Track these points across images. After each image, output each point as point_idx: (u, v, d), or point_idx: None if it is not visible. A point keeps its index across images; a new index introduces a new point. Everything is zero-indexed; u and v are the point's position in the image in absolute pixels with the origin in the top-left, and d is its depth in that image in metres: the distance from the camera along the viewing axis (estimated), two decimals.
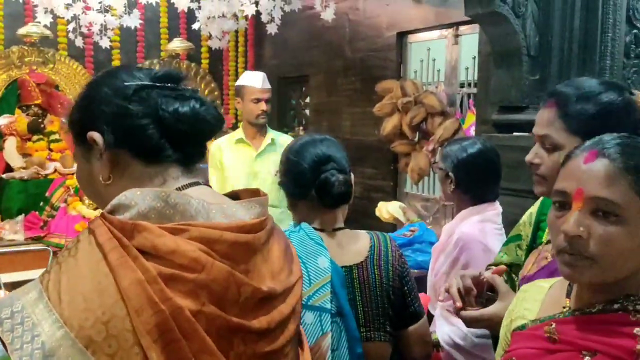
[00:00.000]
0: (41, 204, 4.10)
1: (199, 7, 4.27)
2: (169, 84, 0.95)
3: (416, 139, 3.88)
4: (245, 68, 5.73)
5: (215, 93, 5.52)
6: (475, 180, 1.91)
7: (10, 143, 4.16)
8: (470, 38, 3.53)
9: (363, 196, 4.60)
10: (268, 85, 3.27)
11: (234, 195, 1.01)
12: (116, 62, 5.16)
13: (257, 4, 4.36)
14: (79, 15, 4.24)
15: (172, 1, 4.30)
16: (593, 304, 0.95)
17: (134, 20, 4.19)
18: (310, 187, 1.49)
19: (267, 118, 3.22)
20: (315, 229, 1.48)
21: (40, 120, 4.56)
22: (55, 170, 4.31)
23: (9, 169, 4.35)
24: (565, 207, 0.93)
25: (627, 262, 0.90)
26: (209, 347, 0.79)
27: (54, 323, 0.75)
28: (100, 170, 0.93)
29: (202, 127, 0.95)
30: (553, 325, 0.97)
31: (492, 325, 1.30)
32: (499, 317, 1.23)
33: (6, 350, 0.75)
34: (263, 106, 3.15)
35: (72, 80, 4.80)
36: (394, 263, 1.53)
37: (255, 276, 0.88)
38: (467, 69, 3.69)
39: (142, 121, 0.91)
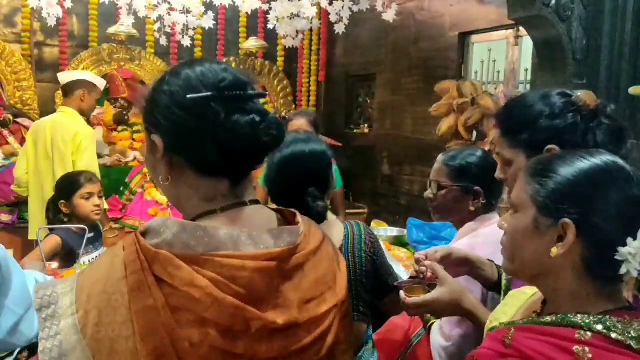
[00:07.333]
0: (121, 188, 4.45)
1: (270, 8, 4.50)
2: (235, 92, 0.94)
3: (473, 139, 3.87)
4: (318, 66, 5.90)
5: (288, 90, 5.73)
6: (495, 184, 1.76)
7: (98, 132, 4.56)
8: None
9: (422, 195, 4.62)
10: None
11: (278, 210, 1.06)
12: None
13: (331, 3, 4.53)
14: (163, 15, 4.60)
15: (237, 4, 4.56)
16: (550, 314, 0.96)
17: (208, 21, 4.51)
18: (290, 203, 1.57)
19: None
20: None
21: (125, 112, 4.97)
22: (135, 159, 4.69)
23: None
24: None
25: (522, 251, 1.00)
26: None
27: (72, 327, 0.86)
28: (161, 170, 0.98)
29: (257, 147, 0.96)
30: (512, 330, 0.99)
31: (435, 310, 1.36)
32: (439, 301, 1.32)
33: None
34: None
35: (156, 76, 5.16)
36: (366, 249, 1.63)
37: (281, 303, 0.91)
38: (526, 70, 3.64)
39: (199, 136, 0.93)
